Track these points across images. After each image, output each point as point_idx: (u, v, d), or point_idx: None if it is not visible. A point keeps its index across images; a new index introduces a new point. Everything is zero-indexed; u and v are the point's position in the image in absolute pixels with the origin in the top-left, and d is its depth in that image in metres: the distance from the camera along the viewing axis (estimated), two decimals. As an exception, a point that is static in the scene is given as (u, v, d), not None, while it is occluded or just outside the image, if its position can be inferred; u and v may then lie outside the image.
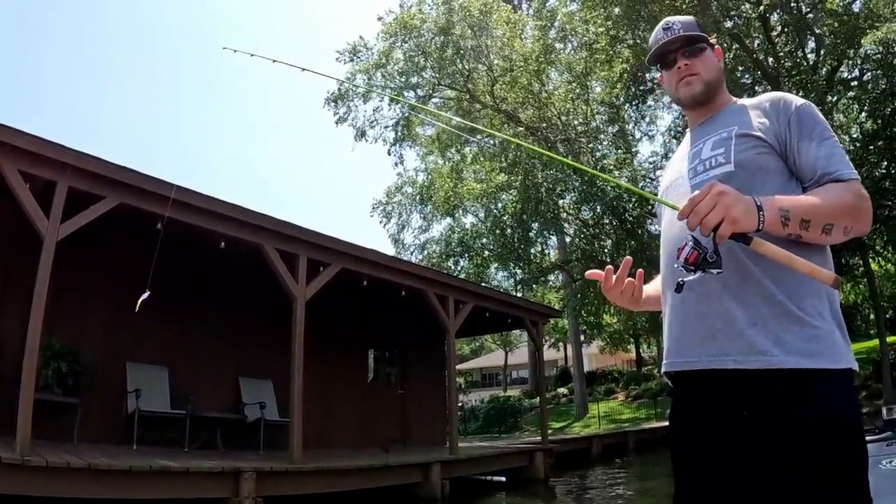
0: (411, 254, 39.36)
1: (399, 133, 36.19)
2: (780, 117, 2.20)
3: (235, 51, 4.06)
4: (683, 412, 2.25)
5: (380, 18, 33.50)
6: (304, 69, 3.85)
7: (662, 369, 2.33)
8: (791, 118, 2.18)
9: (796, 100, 2.23)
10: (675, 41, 2.47)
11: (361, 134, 34.90)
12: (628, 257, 2.61)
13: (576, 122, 29.60)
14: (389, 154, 37.49)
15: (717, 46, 2.52)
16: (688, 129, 2.63)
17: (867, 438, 5.79)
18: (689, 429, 2.19)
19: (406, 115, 35.26)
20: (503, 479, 18.11)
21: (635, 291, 2.53)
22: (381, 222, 41.00)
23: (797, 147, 2.14)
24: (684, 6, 22.38)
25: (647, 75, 26.42)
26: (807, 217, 1.94)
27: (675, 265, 2.06)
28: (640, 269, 2.52)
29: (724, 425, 2.04)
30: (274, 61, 3.93)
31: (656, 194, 2.57)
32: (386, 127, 35.63)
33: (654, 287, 2.64)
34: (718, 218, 1.83)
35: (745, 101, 2.40)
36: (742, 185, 2.02)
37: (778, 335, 1.98)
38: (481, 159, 34.84)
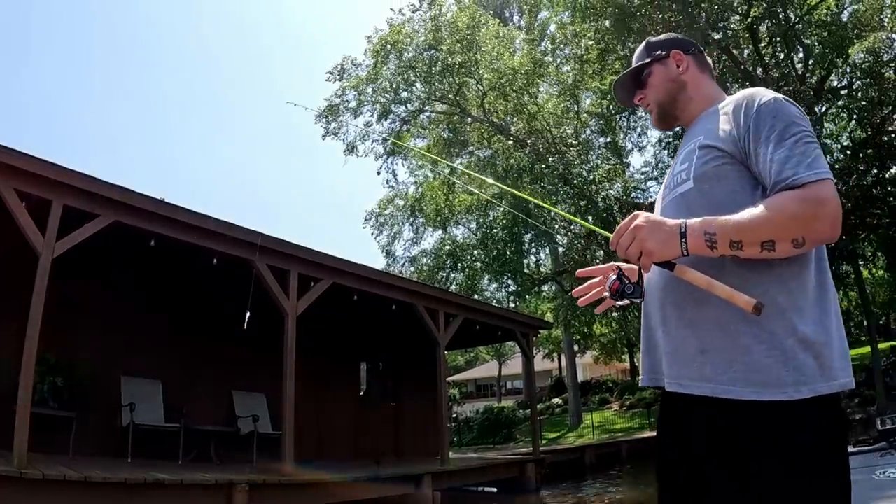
0: (402, 266, 39.44)
1: (388, 147, 36.17)
2: (742, 121, 2.07)
3: (296, 105, 4.27)
4: (660, 424, 2.29)
5: (368, 38, 33.55)
6: (321, 114, 4.15)
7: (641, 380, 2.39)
8: (751, 122, 2.03)
9: (761, 98, 2.08)
10: (623, 85, 2.60)
11: (351, 148, 34.91)
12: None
13: (566, 134, 29.71)
14: (379, 173, 37.60)
15: (673, 51, 2.49)
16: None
17: (861, 449, 5.89)
18: (661, 442, 2.26)
19: (398, 129, 35.32)
20: (494, 489, 18.23)
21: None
22: (372, 234, 41.13)
23: (754, 153, 2.01)
24: (672, 19, 22.53)
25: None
26: (736, 238, 1.87)
27: (605, 292, 2.20)
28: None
29: (681, 446, 2.10)
30: (324, 116, 4.18)
31: (650, 204, 2.68)
32: (374, 141, 35.61)
33: None
34: (637, 251, 1.94)
35: (724, 100, 2.32)
36: (700, 201, 2.07)
37: (726, 364, 1.93)
38: (472, 171, 34.93)
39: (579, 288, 2.64)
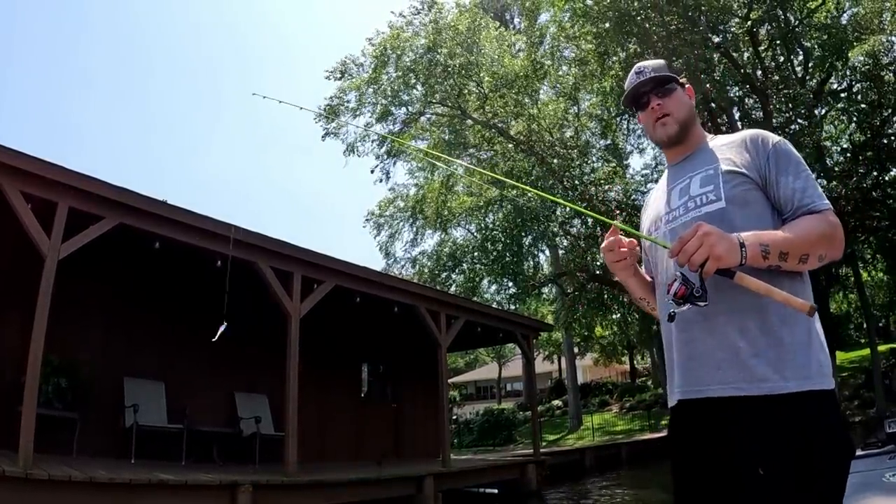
0: (402, 267, 39.53)
1: (389, 147, 36.17)
2: (760, 153, 2.39)
3: (265, 97, 4.10)
4: (686, 434, 2.44)
5: (369, 40, 33.61)
6: (320, 114, 4.01)
7: (675, 397, 2.47)
8: (770, 154, 2.37)
9: (773, 137, 2.43)
10: (647, 83, 2.66)
11: (351, 149, 34.89)
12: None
13: (566, 137, 29.73)
14: (373, 171, 37.55)
15: (687, 85, 2.71)
16: (666, 166, 2.79)
17: (870, 452, 5.99)
18: (691, 449, 2.39)
19: (398, 130, 35.36)
20: (496, 491, 18.28)
21: (629, 257, 2.69)
22: (371, 233, 41.23)
23: (776, 181, 2.34)
24: (672, 22, 22.58)
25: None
26: (785, 250, 2.15)
27: (666, 298, 2.30)
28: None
29: (727, 446, 2.23)
30: (301, 108, 4.03)
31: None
32: (374, 141, 35.54)
33: (642, 275, 2.85)
34: (704, 256, 2.06)
35: (722, 138, 2.60)
36: (733, 220, 2.30)
37: (776, 364, 2.18)
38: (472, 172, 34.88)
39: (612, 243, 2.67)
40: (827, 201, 2.29)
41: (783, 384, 2.15)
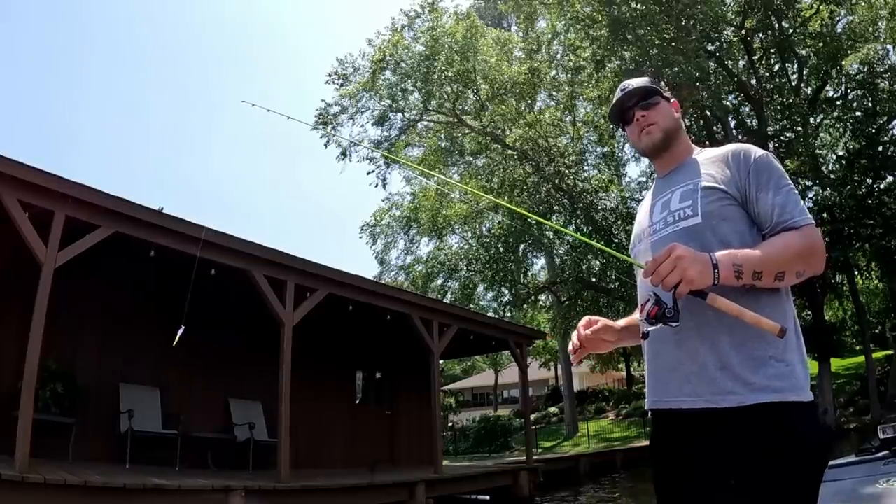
0: (396, 275, 39.54)
1: (384, 152, 36.14)
2: (741, 169, 2.38)
3: (253, 105, 4.18)
4: (662, 444, 2.49)
5: (370, 41, 33.79)
6: (313, 127, 4.08)
7: (645, 406, 2.59)
8: (750, 169, 2.36)
9: (756, 151, 2.42)
10: (631, 97, 2.72)
11: (345, 154, 34.86)
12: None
13: (562, 144, 29.81)
14: (369, 173, 37.44)
15: (673, 100, 2.75)
16: (655, 178, 2.87)
17: (864, 458, 6.09)
18: (668, 459, 2.44)
19: (395, 137, 35.44)
20: (487, 497, 18.34)
21: (607, 334, 2.76)
22: (367, 243, 41.24)
23: (755, 197, 2.33)
24: (668, 30, 22.67)
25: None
26: (758, 269, 2.16)
27: (639, 317, 2.39)
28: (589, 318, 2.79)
29: (696, 456, 2.28)
30: (289, 118, 4.15)
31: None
32: (372, 141, 35.53)
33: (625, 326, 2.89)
34: (677, 279, 2.09)
35: (708, 151, 2.61)
36: (708, 236, 2.34)
37: (744, 377, 2.19)
38: (468, 179, 34.92)
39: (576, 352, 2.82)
40: (808, 216, 2.29)
41: (750, 396, 2.17)
